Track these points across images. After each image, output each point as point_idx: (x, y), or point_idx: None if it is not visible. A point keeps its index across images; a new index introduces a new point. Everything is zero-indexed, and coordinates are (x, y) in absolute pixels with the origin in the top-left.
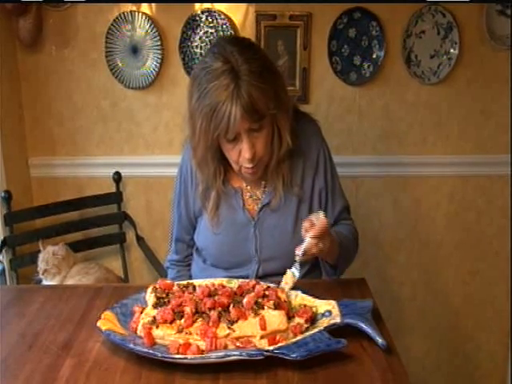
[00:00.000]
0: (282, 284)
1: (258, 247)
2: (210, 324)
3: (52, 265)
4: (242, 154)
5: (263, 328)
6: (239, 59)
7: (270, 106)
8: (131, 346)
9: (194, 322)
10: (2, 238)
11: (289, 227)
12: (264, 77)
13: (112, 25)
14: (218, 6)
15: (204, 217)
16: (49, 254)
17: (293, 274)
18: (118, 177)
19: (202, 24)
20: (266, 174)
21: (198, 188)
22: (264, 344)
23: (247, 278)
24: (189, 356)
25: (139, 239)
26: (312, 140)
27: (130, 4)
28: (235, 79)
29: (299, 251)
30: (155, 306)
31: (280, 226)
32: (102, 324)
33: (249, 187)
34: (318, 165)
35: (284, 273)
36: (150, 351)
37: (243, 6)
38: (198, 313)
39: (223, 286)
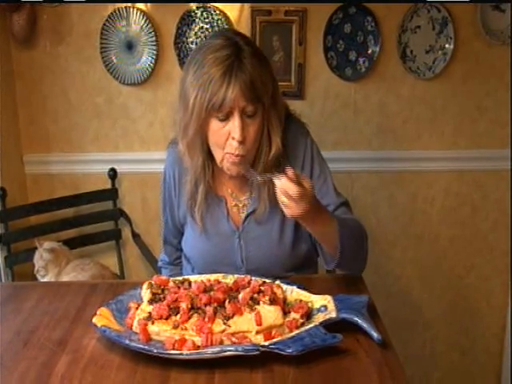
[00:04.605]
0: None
1: (243, 258)
2: (206, 320)
3: (47, 262)
4: (230, 135)
5: (259, 323)
6: (242, 41)
7: (268, 91)
8: (127, 342)
9: (189, 317)
10: None
11: (274, 237)
12: (265, 64)
13: (107, 21)
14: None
15: (189, 225)
16: (44, 251)
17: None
18: (113, 173)
19: (197, 20)
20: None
21: (186, 188)
22: (260, 339)
23: None
24: (184, 352)
25: (135, 236)
26: (298, 144)
27: None
28: (237, 53)
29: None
30: (151, 301)
31: (266, 236)
32: (98, 320)
33: (234, 194)
34: (304, 165)
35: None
36: (146, 347)
37: None
38: (193, 308)
39: (219, 282)
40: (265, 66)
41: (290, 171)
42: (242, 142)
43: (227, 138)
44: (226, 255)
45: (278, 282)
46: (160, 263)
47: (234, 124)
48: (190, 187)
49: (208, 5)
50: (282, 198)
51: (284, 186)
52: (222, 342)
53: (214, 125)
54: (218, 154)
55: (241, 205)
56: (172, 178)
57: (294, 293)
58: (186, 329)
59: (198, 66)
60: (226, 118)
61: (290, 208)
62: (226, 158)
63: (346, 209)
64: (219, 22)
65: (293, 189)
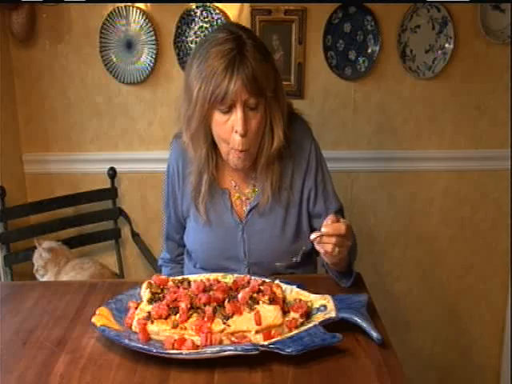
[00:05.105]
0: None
1: (246, 251)
2: (205, 319)
3: (47, 261)
4: (234, 129)
5: (258, 323)
6: (244, 34)
7: (270, 85)
8: (126, 341)
9: (189, 317)
10: None
11: (277, 231)
12: (267, 58)
13: (106, 19)
14: None
15: (192, 217)
16: (43, 251)
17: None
18: (112, 172)
19: (196, 19)
20: (255, 171)
21: (189, 180)
22: (259, 339)
23: None
24: (184, 351)
25: (134, 235)
26: (303, 144)
27: None
28: (239, 47)
29: (311, 235)
30: (150, 301)
31: (268, 230)
32: (97, 320)
33: (237, 187)
34: (309, 167)
35: (274, 274)
36: (145, 347)
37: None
38: (193, 308)
39: (218, 281)
40: (267, 60)
41: (332, 216)
42: (244, 135)
43: (231, 131)
44: (228, 248)
45: (277, 281)
46: (161, 261)
47: (237, 117)
48: (194, 178)
49: (208, 4)
50: (335, 250)
51: (335, 229)
52: (221, 342)
53: (217, 117)
54: (223, 148)
55: (244, 198)
56: (176, 170)
57: (293, 292)
58: (185, 328)
59: (201, 59)
60: (229, 110)
61: (339, 252)
62: (232, 153)
63: (341, 215)
64: (219, 21)
65: (343, 227)
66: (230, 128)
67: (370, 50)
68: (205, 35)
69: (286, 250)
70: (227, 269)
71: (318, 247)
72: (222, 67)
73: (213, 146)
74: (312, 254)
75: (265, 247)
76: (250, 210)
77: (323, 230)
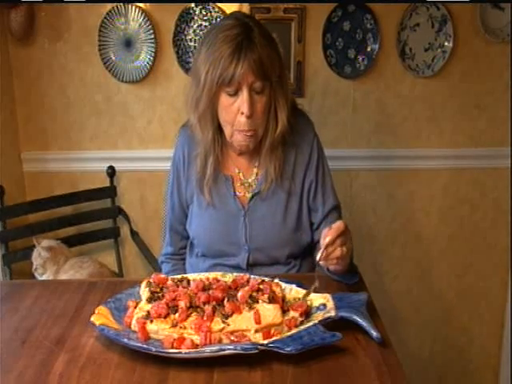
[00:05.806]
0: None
1: (248, 236)
2: (205, 318)
3: (45, 260)
4: (239, 111)
5: (258, 322)
6: (251, 22)
7: (276, 70)
8: (125, 340)
9: (188, 316)
10: None
11: (279, 218)
12: (273, 45)
13: (105, 18)
14: None
15: (196, 203)
16: (42, 249)
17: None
18: (111, 171)
19: (195, 17)
20: (259, 157)
21: (195, 163)
22: (259, 338)
23: (238, 266)
24: (183, 350)
25: (133, 233)
26: (306, 136)
27: None
28: (246, 32)
29: (317, 256)
30: (149, 300)
31: (270, 217)
32: (96, 319)
33: (241, 174)
34: (311, 159)
35: (274, 263)
36: (144, 346)
37: None
38: (192, 307)
39: (217, 280)
40: (273, 47)
41: (326, 228)
42: (249, 117)
43: (236, 113)
44: (230, 233)
45: (276, 280)
46: (162, 258)
47: (243, 99)
48: (199, 160)
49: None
50: (343, 251)
51: (335, 230)
52: (220, 341)
53: (224, 100)
54: (227, 130)
55: (247, 184)
56: (182, 155)
57: (293, 291)
58: (184, 327)
59: (209, 44)
60: (235, 93)
61: (347, 250)
62: (236, 134)
63: (337, 213)
64: (218, 19)
65: (341, 224)
66: (235, 110)
67: (369, 49)
68: (204, 33)
69: (286, 238)
70: (228, 254)
71: (326, 263)
72: (229, 51)
73: (219, 130)
74: (312, 250)
75: (266, 234)
76: (253, 197)
77: (327, 240)
